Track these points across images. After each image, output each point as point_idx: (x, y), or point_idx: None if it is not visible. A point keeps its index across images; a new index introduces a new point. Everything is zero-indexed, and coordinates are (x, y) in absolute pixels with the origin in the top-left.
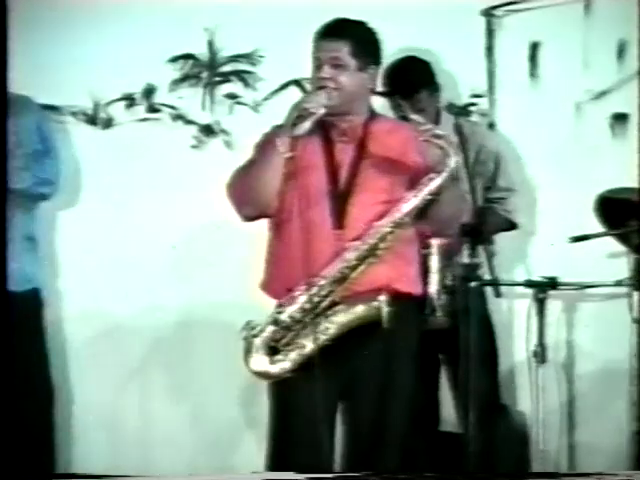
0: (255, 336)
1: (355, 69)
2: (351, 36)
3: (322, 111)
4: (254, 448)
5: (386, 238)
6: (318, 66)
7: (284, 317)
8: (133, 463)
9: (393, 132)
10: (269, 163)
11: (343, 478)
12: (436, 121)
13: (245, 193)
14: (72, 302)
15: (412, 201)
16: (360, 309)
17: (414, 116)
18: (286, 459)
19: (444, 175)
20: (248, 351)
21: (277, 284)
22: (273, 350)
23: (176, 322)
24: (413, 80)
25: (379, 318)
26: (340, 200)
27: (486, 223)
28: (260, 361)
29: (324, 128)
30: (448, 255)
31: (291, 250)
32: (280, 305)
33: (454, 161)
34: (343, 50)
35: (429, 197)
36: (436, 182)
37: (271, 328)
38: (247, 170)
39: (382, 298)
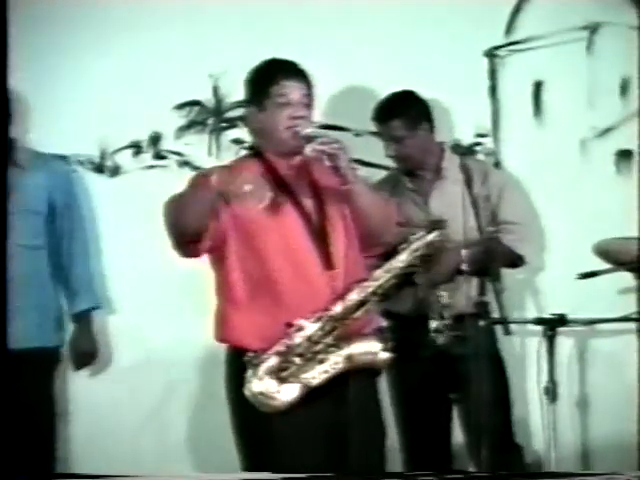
0: (258, 365)
1: None
2: None
3: None
4: None
5: (384, 286)
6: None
7: (284, 349)
8: None
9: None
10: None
11: (316, 478)
12: (440, 160)
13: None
14: None
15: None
16: (358, 354)
17: None
18: None
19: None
20: (250, 379)
21: (254, 331)
22: (276, 380)
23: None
24: (388, 107)
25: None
26: (320, 238)
27: (492, 253)
28: (262, 390)
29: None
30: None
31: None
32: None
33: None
34: None
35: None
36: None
37: (274, 359)
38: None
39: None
